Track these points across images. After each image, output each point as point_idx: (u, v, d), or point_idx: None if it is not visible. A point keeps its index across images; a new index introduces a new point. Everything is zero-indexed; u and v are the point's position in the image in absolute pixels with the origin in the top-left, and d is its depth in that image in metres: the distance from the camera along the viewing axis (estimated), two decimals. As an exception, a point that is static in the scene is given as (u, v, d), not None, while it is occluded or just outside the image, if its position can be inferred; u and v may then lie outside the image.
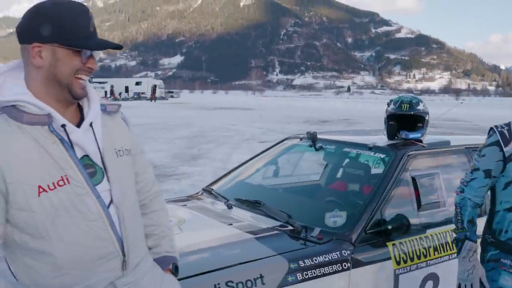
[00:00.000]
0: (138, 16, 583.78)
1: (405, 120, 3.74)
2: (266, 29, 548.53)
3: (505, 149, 2.37)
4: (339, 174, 4.08)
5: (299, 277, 2.59)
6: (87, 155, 1.66)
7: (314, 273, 2.65)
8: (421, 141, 3.67)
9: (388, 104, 3.85)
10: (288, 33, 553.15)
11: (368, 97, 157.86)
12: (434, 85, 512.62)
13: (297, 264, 2.62)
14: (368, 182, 3.56)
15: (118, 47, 1.67)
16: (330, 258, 2.74)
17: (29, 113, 1.58)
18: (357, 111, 42.42)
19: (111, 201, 1.69)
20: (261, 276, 2.48)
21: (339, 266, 2.75)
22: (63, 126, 1.62)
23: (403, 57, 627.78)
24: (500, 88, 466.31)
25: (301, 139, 4.14)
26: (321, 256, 2.72)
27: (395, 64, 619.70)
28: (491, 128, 2.46)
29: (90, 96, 1.75)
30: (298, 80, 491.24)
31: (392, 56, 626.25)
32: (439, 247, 3.23)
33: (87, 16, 1.63)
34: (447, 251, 3.23)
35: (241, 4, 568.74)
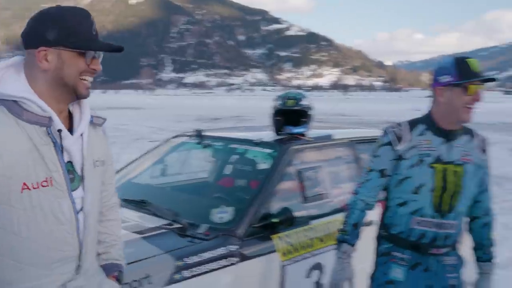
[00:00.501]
0: (24, 14, 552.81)
1: (290, 115, 3.86)
2: (158, 27, 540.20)
3: (396, 148, 2.52)
4: (227, 171, 4.12)
5: (187, 275, 2.61)
6: (70, 162, 1.76)
7: (202, 270, 2.68)
8: (305, 135, 3.81)
9: (275, 100, 3.95)
10: (180, 31, 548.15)
11: (260, 94, 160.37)
12: (324, 81, 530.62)
13: (184, 261, 2.63)
14: (255, 177, 3.64)
15: (120, 49, 1.76)
16: (217, 253, 2.78)
17: (30, 111, 1.66)
18: (248, 108, 43.02)
19: (81, 208, 1.79)
20: (148, 276, 2.47)
21: (226, 261, 2.79)
22: (59, 131, 1.71)
23: (293, 55, 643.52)
24: (387, 83, 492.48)
25: (189, 136, 4.15)
26: (208, 252, 2.75)
27: (286, 61, 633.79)
28: (385, 130, 2.59)
29: (82, 105, 1.85)
30: (190, 78, 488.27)
31: (283, 54, 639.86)
32: (324, 237, 3.37)
33: (89, 20, 1.73)
34: (331, 241, 3.37)
35: (133, 1, 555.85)
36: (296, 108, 3.81)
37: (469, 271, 2.77)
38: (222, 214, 3.10)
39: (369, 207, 2.62)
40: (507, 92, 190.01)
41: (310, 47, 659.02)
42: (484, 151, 2.60)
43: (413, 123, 2.56)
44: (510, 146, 17.07)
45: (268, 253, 3.02)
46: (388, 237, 2.63)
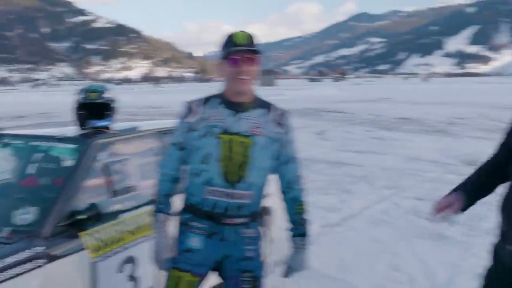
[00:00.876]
0: None
1: (94, 109, 3.80)
2: None
3: (188, 121, 2.63)
4: (30, 170, 3.93)
5: (-12, 283, 2.47)
6: None
7: (6, 276, 2.54)
8: (109, 128, 3.78)
9: (78, 94, 3.87)
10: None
11: (67, 89, 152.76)
12: (134, 74, 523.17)
13: (-16, 269, 2.48)
14: (60, 175, 3.51)
15: None
16: (22, 257, 2.66)
17: None
18: (56, 103, 40.83)
19: None
20: None
21: (32, 264, 2.69)
22: None
23: (102, 47, 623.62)
24: (198, 74, 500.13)
25: (-16, 137, 3.87)
26: (11, 257, 2.62)
27: (94, 54, 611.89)
28: (184, 104, 2.71)
29: None
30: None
31: (90, 47, 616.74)
32: (135, 230, 3.39)
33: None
34: (142, 233, 3.41)
35: None
36: (98, 101, 3.77)
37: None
38: (25, 215, 2.96)
39: (175, 179, 2.72)
40: (311, 80, 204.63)
41: (119, 39, 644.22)
42: (281, 124, 2.69)
43: (208, 98, 2.68)
44: (315, 130, 18.46)
45: (78, 251, 2.96)
46: (187, 208, 2.69)
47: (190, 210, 2.67)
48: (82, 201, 3.12)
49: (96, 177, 3.38)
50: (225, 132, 2.57)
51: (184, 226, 2.69)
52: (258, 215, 2.75)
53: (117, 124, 3.92)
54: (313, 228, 6.42)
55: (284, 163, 2.73)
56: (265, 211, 4.89)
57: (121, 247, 3.25)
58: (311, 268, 5.18)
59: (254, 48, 2.53)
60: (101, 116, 3.79)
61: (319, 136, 16.78)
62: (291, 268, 2.77)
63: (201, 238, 2.63)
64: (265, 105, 2.70)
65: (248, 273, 2.67)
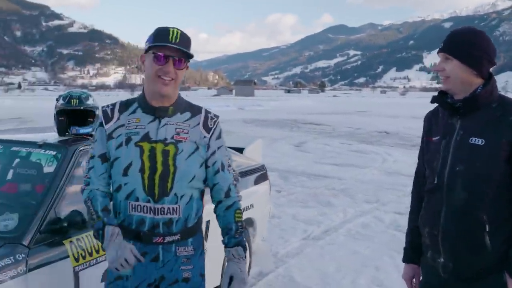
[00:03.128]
0: None
1: (75, 115, 3.78)
2: None
3: (105, 127, 2.42)
4: (9, 176, 3.86)
5: (-33, 291, 2.41)
6: None
7: (-15, 284, 2.49)
8: (92, 135, 3.73)
9: (57, 100, 3.84)
10: None
11: (41, 94, 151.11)
12: (110, 80, 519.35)
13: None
14: (41, 181, 3.47)
15: None
16: (3, 264, 2.61)
17: None
18: (29, 108, 40.39)
19: None
20: None
21: (13, 271, 2.63)
22: None
23: (76, 52, 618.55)
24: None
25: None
26: (-9, 264, 2.57)
27: (68, 60, 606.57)
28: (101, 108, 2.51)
29: None
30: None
31: (65, 51, 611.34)
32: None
33: None
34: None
35: None
36: (81, 107, 3.74)
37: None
38: (6, 222, 2.91)
39: (106, 194, 2.45)
40: (288, 91, 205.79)
41: (94, 45, 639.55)
42: (209, 128, 2.48)
43: (127, 102, 2.50)
44: (293, 142, 18.53)
45: (60, 260, 2.91)
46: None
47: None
48: (65, 209, 3.07)
49: (78, 184, 3.32)
50: (146, 139, 2.37)
51: None
52: (194, 231, 2.50)
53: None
54: (294, 241, 6.46)
55: (216, 171, 2.51)
56: (248, 222, 4.87)
57: (104, 256, 3.20)
58: (294, 281, 5.18)
59: (187, 51, 2.35)
60: (84, 123, 3.76)
61: (297, 148, 16.83)
62: (232, 282, 2.38)
63: None
64: (191, 109, 2.50)
65: None
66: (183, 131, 2.42)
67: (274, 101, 67.27)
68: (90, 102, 3.81)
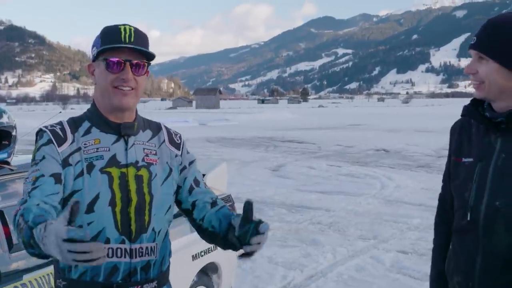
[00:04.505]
0: None
1: (-15, 138, 3.73)
2: None
3: (59, 150, 2.31)
4: None
5: None
6: None
7: None
8: (8, 163, 3.69)
9: (-39, 118, 3.76)
10: None
11: None
12: (35, 91, 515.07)
13: None
14: None
15: None
16: None
17: None
18: None
19: None
20: None
21: None
22: None
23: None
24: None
25: None
26: None
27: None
28: (40, 130, 2.39)
29: None
30: None
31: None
32: (42, 295, 3.29)
33: None
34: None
35: None
36: (-7, 127, 3.69)
37: None
38: None
39: (47, 211, 2.11)
40: (262, 101, 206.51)
41: (14, 45, 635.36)
42: (177, 144, 2.55)
43: (77, 120, 2.44)
44: (269, 165, 18.61)
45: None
46: (70, 285, 2.33)
47: (74, 286, 2.32)
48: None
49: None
50: (114, 164, 2.34)
51: None
52: (167, 276, 2.53)
53: (17, 157, 3.83)
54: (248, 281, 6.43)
55: (190, 189, 2.52)
56: (211, 268, 4.84)
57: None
58: None
59: (146, 50, 2.35)
60: (-4, 147, 3.71)
61: (274, 172, 16.88)
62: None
63: None
64: (150, 126, 2.54)
65: None
66: (151, 152, 2.45)
67: (245, 114, 67.45)
68: (4, 120, 3.76)
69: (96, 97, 2.43)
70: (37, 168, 2.25)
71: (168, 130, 2.58)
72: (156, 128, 2.54)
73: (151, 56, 2.38)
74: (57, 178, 2.25)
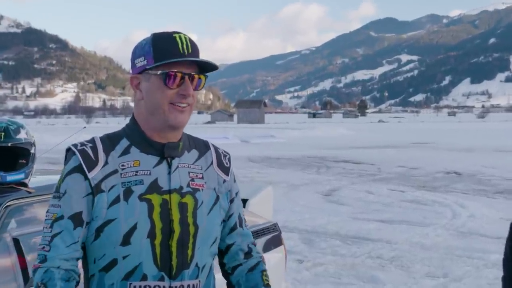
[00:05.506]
0: None
1: (1, 156, 3.79)
2: None
3: (90, 176, 2.31)
4: None
5: None
6: None
7: None
8: (26, 184, 3.74)
9: (-26, 133, 3.83)
10: None
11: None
12: (55, 102, 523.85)
13: None
14: None
15: None
16: None
17: None
18: None
19: None
20: None
21: None
22: None
23: (5, 62, 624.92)
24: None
25: None
26: None
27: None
28: (69, 149, 2.39)
29: None
30: None
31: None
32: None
33: None
34: None
35: None
36: (8, 144, 3.75)
37: None
38: None
39: (72, 276, 2.28)
40: (313, 115, 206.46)
41: (32, 50, 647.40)
42: (226, 169, 2.56)
43: (114, 138, 2.44)
44: (321, 189, 18.58)
45: None
46: None
47: None
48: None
49: (2, 256, 3.34)
50: (154, 190, 2.33)
51: None
52: None
53: (36, 178, 3.88)
54: None
55: (232, 227, 2.58)
56: None
57: None
58: None
59: (212, 63, 2.37)
60: (12, 167, 3.77)
61: (327, 197, 16.86)
62: None
63: None
64: (196, 144, 2.55)
65: None
66: (197, 176, 2.44)
67: (293, 130, 67.49)
68: (21, 136, 3.83)
69: (140, 113, 2.42)
70: (59, 204, 2.31)
71: (216, 150, 2.58)
72: (203, 147, 2.55)
73: (213, 67, 2.39)
74: (77, 220, 2.29)
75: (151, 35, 2.40)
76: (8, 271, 3.32)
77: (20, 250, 3.36)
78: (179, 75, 2.29)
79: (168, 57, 2.28)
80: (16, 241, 3.37)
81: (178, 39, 2.32)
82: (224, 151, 2.61)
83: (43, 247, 2.28)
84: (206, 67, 2.37)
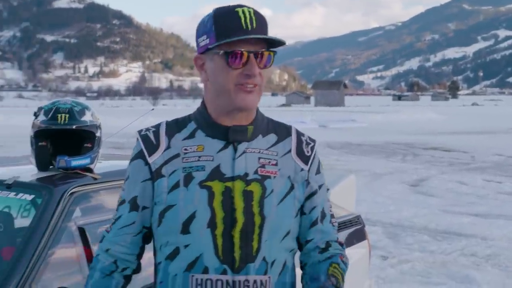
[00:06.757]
0: None
1: (64, 139, 3.85)
2: None
3: (150, 161, 2.41)
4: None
5: None
6: None
7: None
8: (91, 170, 3.80)
9: (36, 115, 3.88)
10: None
11: (12, 104, 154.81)
12: (119, 83, 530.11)
13: None
14: (9, 241, 3.55)
15: None
16: None
17: None
18: (8, 128, 41.59)
19: None
20: None
21: None
22: None
23: (67, 39, 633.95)
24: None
25: None
26: None
27: (54, 51, 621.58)
28: (137, 134, 2.51)
29: None
30: None
31: (49, 38, 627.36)
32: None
33: None
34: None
35: None
36: (72, 127, 3.78)
37: None
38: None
39: (122, 265, 2.46)
40: (399, 97, 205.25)
41: (95, 27, 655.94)
42: (306, 157, 2.53)
43: (182, 121, 2.50)
44: (408, 179, 18.46)
45: None
46: None
47: None
48: (46, 282, 3.13)
49: (67, 246, 3.40)
50: (217, 177, 2.36)
51: None
52: None
53: (101, 163, 3.94)
54: None
55: (312, 222, 2.55)
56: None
57: None
58: None
59: (280, 40, 2.35)
60: (77, 151, 3.83)
61: (414, 188, 16.75)
62: None
63: None
64: (276, 129, 2.55)
65: None
66: (269, 162, 2.43)
67: (376, 113, 67.09)
68: (87, 118, 3.86)
69: (207, 95, 2.46)
70: (123, 187, 2.50)
71: (299, 137, 2.56)
72: (284, 132, 2.54)
73: (279, 43, 2.36)
74: (133, 204, 2.44)
75: (213, 10, 2.40)
76: (73, 263, 3.39)
77: (85, 241, 3.42)
78: (244, 54, 2.29)
79: (230, 34, 2.28)
80: (81, 230, 3.43)
81: (241, 13, 2.30)
82: (309, 139, 2.58)
83: (107, 228, 2.52)
84: (274, 42, 2.36)
